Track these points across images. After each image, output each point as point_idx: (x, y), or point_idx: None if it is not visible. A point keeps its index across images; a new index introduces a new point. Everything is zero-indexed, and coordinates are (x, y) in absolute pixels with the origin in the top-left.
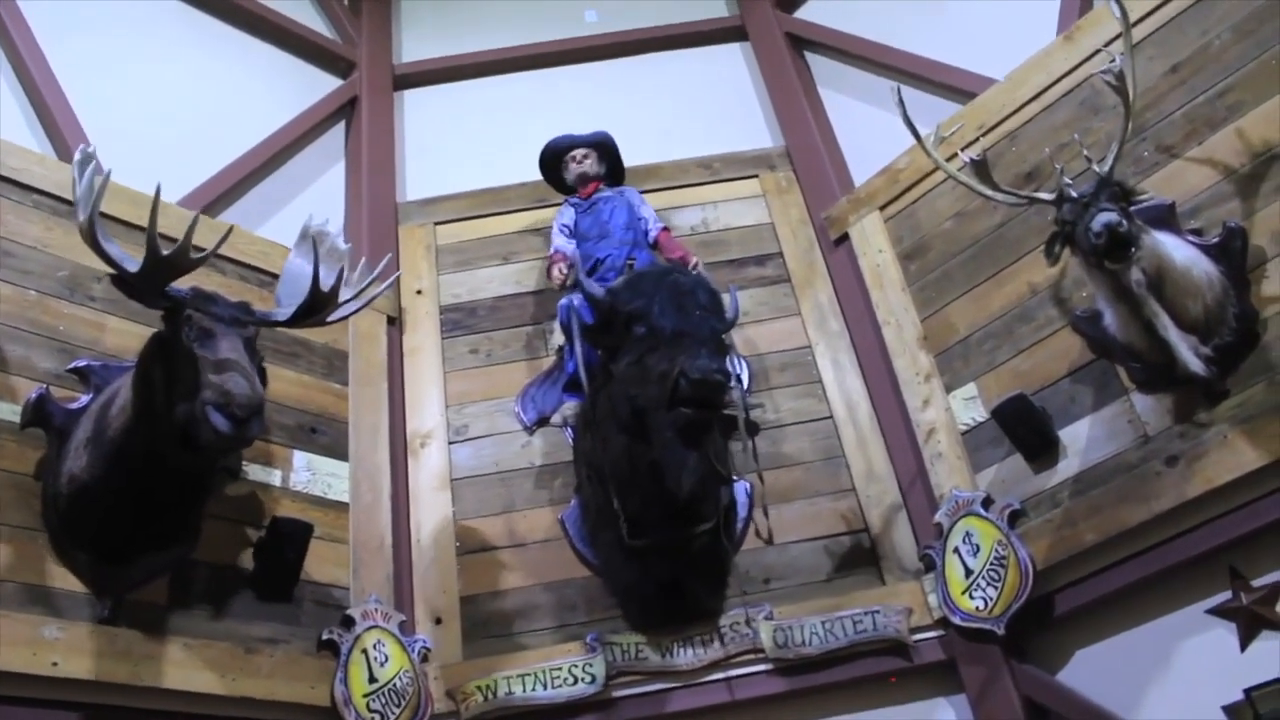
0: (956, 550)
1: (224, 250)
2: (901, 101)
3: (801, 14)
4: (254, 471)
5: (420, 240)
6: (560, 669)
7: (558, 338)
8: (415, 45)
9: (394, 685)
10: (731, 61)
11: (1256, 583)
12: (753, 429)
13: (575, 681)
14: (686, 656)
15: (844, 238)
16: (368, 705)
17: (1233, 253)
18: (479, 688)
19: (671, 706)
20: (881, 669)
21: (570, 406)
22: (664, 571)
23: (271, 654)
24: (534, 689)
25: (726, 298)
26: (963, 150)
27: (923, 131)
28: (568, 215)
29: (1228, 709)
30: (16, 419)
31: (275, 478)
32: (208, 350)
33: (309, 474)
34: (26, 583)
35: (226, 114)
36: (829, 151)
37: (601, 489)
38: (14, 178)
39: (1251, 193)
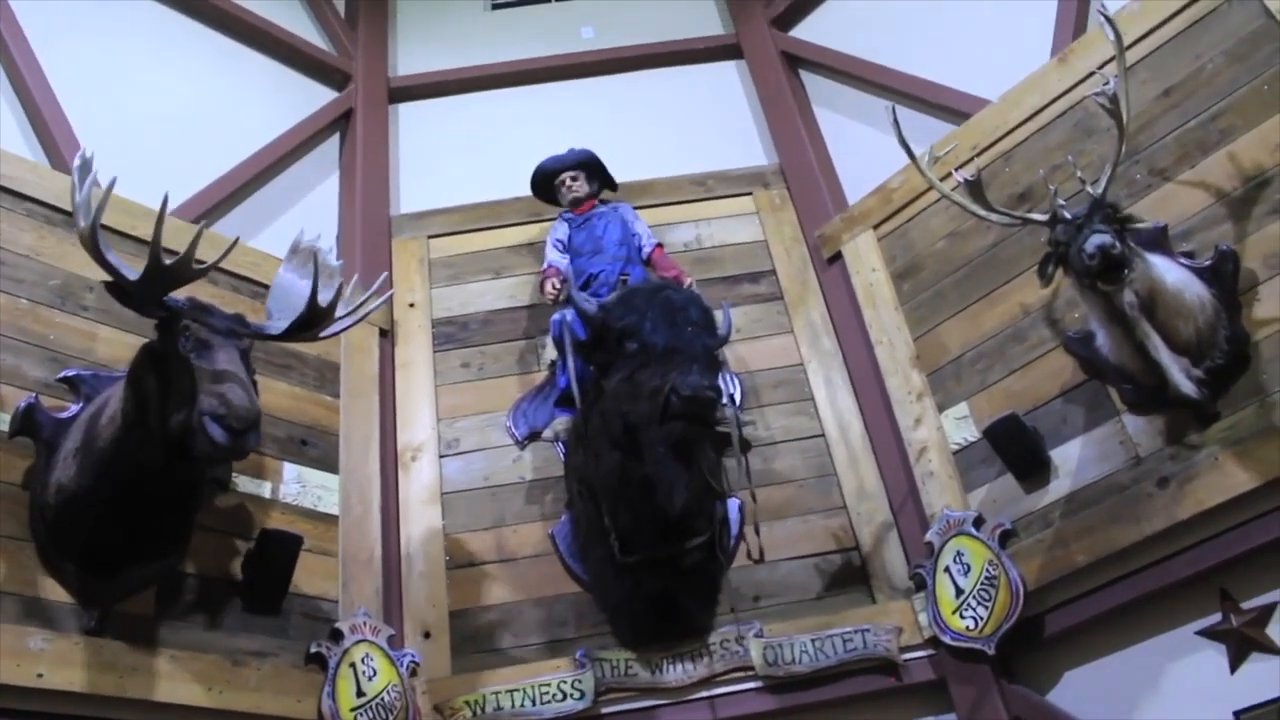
0: (947, 569)
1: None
2: (896, 121)
3: (797, 33)
4: (244, 483)
5: (413, 253)
6: (549, 685)
7: (550, 353)
8: (411, 59)
9: (382, 699)
10: (726, 79)
11: (1247, 605)
12: (745, 446)
13: (564, 697)
14: (676, 673)
15: (837, 256)
16: (355, 719)
17: (1224, 276)
18: (467, 703)
19: None
20: (871, 688)
21: (562, 421)
22: (654, 587)
23: (259, 667)
24: (523, 704)
25: (719, 314)
26: (956, 170)
27: (917, 151)
28: (562, 230)
29: None
30: (5, 428)
31: (265, 489)
32: (205, 361)
33: (299, 486)
34: (12, 593)
35: (221, 125)
36: (823, 170)
37: (593, 504)
38: (7, 186)
39: (1243, 216)
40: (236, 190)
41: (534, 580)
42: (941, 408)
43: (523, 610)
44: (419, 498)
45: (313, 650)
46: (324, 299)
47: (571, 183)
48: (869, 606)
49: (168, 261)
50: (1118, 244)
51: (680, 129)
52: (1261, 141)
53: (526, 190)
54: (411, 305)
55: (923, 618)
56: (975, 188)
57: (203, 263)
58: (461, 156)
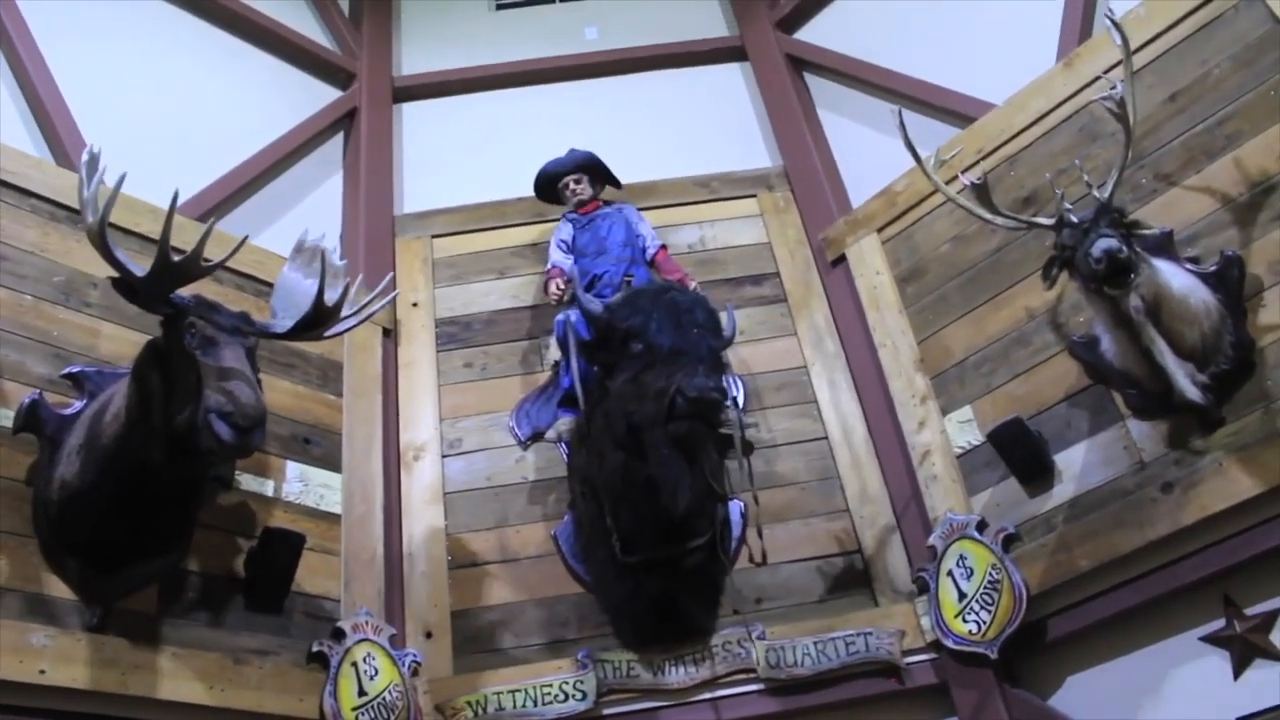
0: (950, 573)
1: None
2: (903, 124)
3: (802, 35)
4: (246, 481)
5: (417, 253)
6: (551, 685)
7: (553, 353)
8: (415, 58)
9: (383, 699)
10: (731, 81)
11: (1250, 611)
12: (747, 448)
13: (566, 698)
14: (678, 675)
15: (841, 259)
16: (357, 718)
17: (1230, 281)
18: (469, 703)
19: None
20: (873, 691)
21: (565, 422)
22: (656, 588)
23: (261, 665)
24: (524, 705)
25: (724, 316)
26: (963, 174)
27: (922, 154)
28: (566, 231)
29: None
30: (9, 424)
31: (268, 488)
32: (211, 358)
33: (302, 485)
34: (15, 589)
35: (225, 122)
36: (827, 173)
37: (595, 505)
38: (11, 181)
39: (1249, 222)
40: (240, 188)
41: (536, 581)
42: (945, 411)
43: (524, 610)
44: (421, 497)
45: (315, 649)
46: (330, 298)
47: (575, 185)
48: (871, 610)
49: (175, 259)
50: (1124, 248)
51: (684, 131)
52: (1268, 147)
53: (530, 191)
54: (415, 305)
55: (925, 621)
56: (982, 191)
57: (209, 260)
58: (465, 156)
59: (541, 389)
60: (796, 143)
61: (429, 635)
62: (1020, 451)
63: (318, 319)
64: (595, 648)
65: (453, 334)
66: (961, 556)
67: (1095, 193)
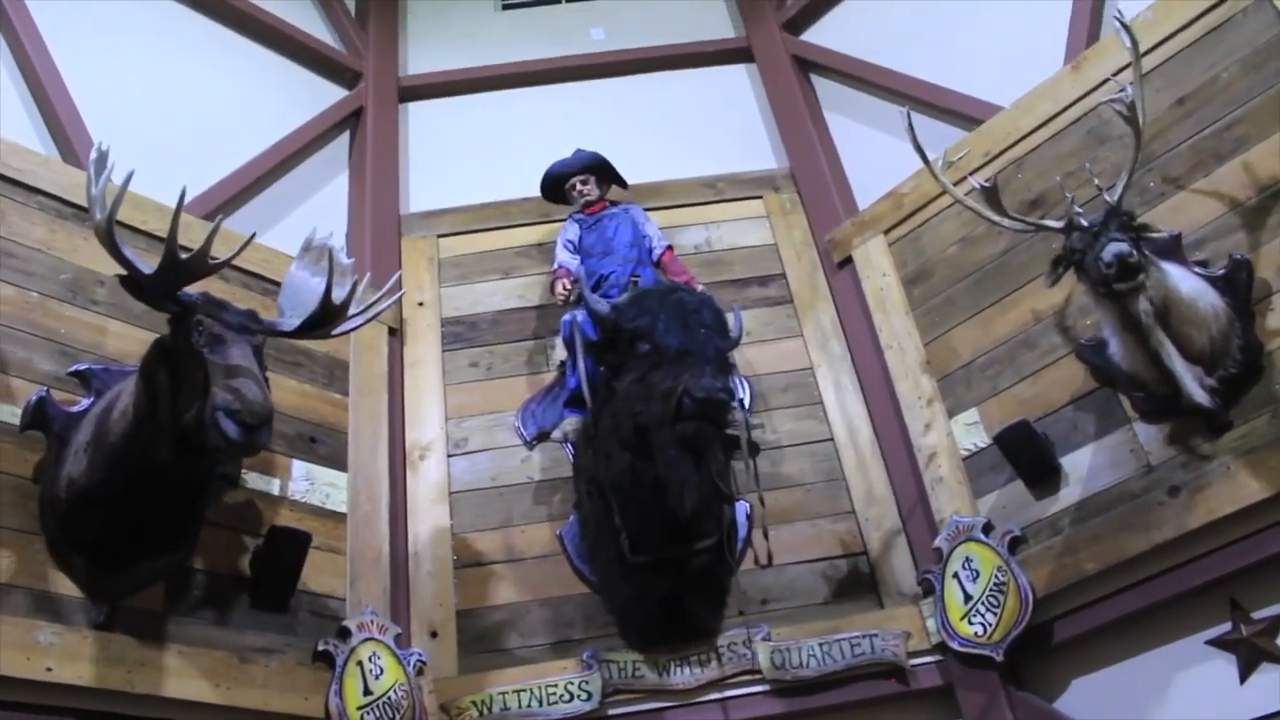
0: (956, 575)
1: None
2: (911, 126)
3: (808, 37)
4: (253, 480)
5: (423, 252)
6: (556, 686)
7: (559, 353)
8: (421, 58)
9: (389, 698)
10: (737, 82)
11: (1257, 615)
12: (753, 449)
13: (571, 698)
14: (683, 676)
15: (847, 260)
16: (362, 718)
17: (1238, 285)
18: (474, 703)
19: None
20: (878, 693)
21: (571, 422)
22: (663, 589)
23: (266, 664)
24: (530, 705)
25: (731, 317)
26: (971, 175)
27: (929, 156)
28: (572, 231)
29: None
30: (16, 421)
31: (274, 486)
32: (218, 356)
33: (308, 483)
34: (22, 587)
35: (231, 121)
36: (833, 174)
37: (602, 505)
38: (19, 179)
39: (1257, 226)
40: (246, 187)
41: (541, 581)
42: (952, 413)
43: (530, 610)
44: (427, 496)
45: (320, 648)
46: (338, 297)
47: (582, 186)
48: (877, 611)
49: (182, 256)
50: (1135, 252)
51: (690, 131)
52: (1276, 151)
53: (536, 190)
54: (420, 304)
55: (931, 623)
56: (992, 194)
57: (216, 258)
58: (471, 156)
59: (547, 389)
60: (803, 144)
61: (434, 635)
62: (1027, 454)
63: (325, 317)
64: (600, 648)
65: (458, 333)
66: (967, 559)
67: (1106, 196)
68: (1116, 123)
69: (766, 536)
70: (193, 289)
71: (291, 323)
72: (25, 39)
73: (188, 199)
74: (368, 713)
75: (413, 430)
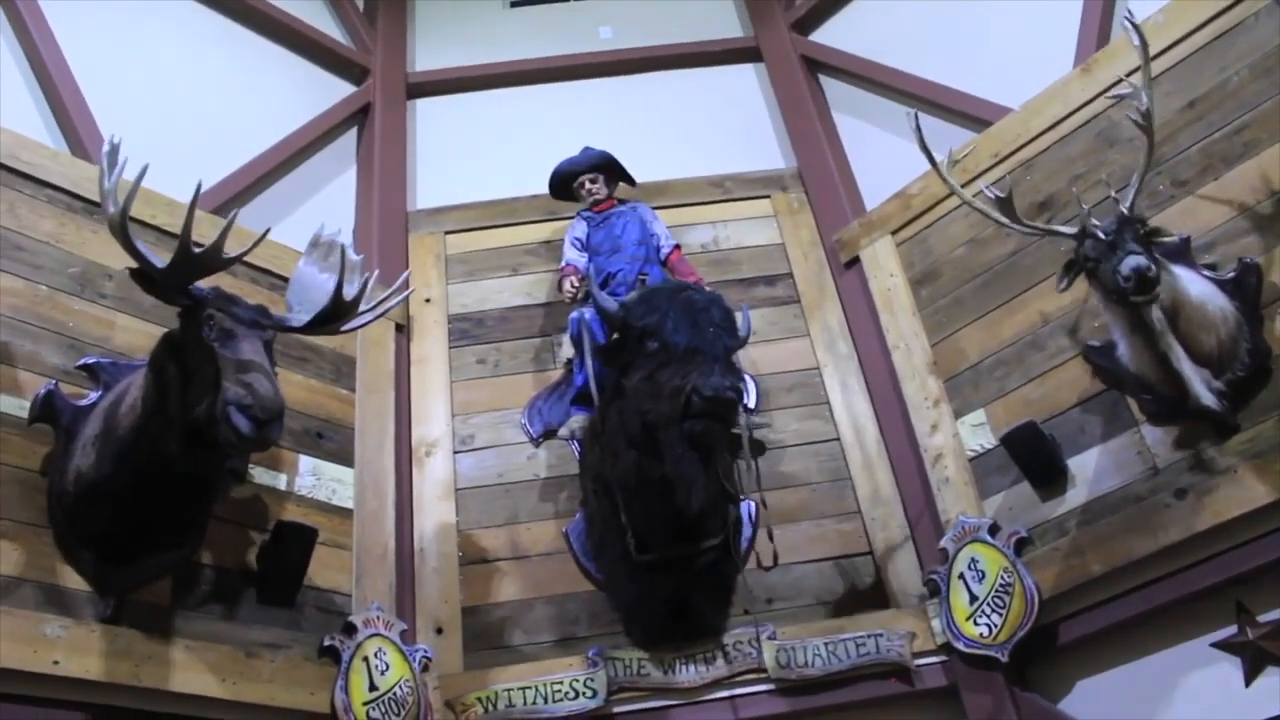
0: (962, 576)
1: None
2: (919, 128)
3: (816, 37)
4: (259, 475)
5: (430, 249)
6: (561, 683)
7: (566, 350)
8: (429, 55)
9: (394, 694)
10: (745, 82)
11: (1263, 618)
12: (758, 449)
13: (576, 696)
14: (689, 674)
15: (855, 261)
16: (367, 713)
17: (1247, 288)
18: (479, 699)
19: None
20: (883, 693)
21: (578, 420)
22: (669, 587)
23: (272, 659)
24: (535, 702)
25: (739, 316)
26: (979, 179)
27: (936, 158)
28: (580, 229)
29: None
30: (24, 414)
31: (281, 482)
32: (229, 351)
33: (314, 479)
34: (30, 580)
35: (240, 116)
36: (841, 174)
37: (608, 503)
38: (28, 172)
39: (1267, 229)
40: (254, 182)
41: (547, 578)
42: (958, 414)
43: (535, 608)
44: (433, 493)
45: (326, 643)
46: (349, 293)
47: (590, 185)
48: (882, 611)
49: (196, 250)
50: (1153, 266)
51: (698, 131)
52: None
53: (544, 188)
54: (428, 301)
55: (936, 624)
56: (1005, 204)
57: (230, 254)
58: (479, 153)
59: (554, 386)
60: (811, 144)
61: (440, 631)
62: (1033, 455)
63: (336, 313)
64: (606, 646)
65: (465, 330)
66: (973, 559)
67: (1122, 208)
68: (1126, 125)
69: (771, 537)
70: (203, 283)
71: (301, 318)
72: (35, 33)
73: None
74: (373, 708)
75: (419, 426)
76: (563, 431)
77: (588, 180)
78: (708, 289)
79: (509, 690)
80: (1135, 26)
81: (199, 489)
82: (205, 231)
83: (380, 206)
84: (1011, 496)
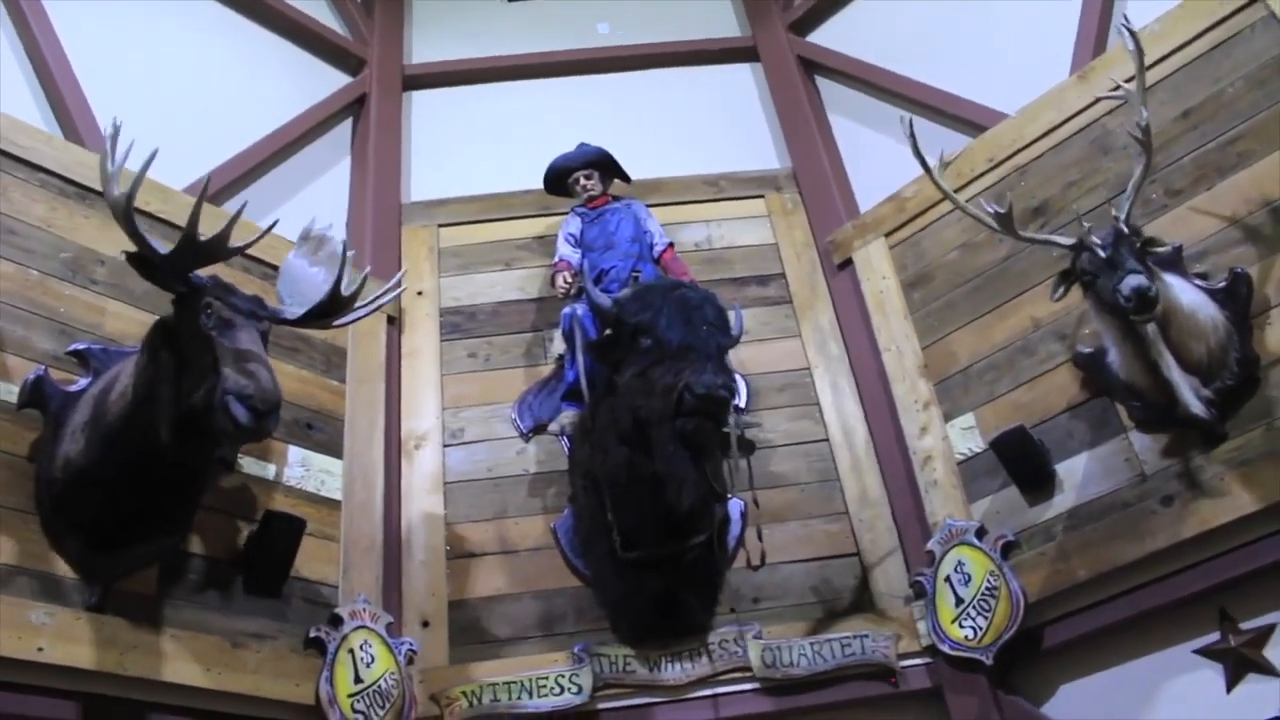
0: (948, 579)
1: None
2: (913, 135)
3: (814, 38)
4: (248, 465)
5: (423, 241)
6: (546, 678)
7: (558, 346)
8: (426, 47)
9: (379, 687)
10: (741, 81)
11: (1245, 625)
12: (748, 448)
13: (561, 691)
14: (674, 672)
15: (848, 262)
16: (352, 706)
17: (1238, 298)
18: (464, 693)
19: None
20: (868, 693)
21: (568, 415)
22: (656, 585)
23: (258, 649)
24: (519, 697)
25: (731, 315)
26: (973, 183)
27: (931, 162)
28: (574, 225)
29: None
30: (13, 399)
31: (269, 472)
32: (228, 340)
33: (303, 470)
34: (16, 566)
35: (235, 104)
36: (835, 176)
37: (597, 500)
38: (21, 156)
39: (1258, 240)
40: (248, 171)
41: (534, 573)
42: (948, 417)
43: (522, 603)
44: (422, 486)
45: (312, 635)
46: (348, 289)
47: (586, 181)
48: (868, 612)
49: (203, 238)
50: (1153, 286)
51: (694, 129)
52: (1279, 167)
53: (538, 183)
54: (420, 293)
55: (922, 626)
56: (1005, 219)
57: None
58: (474, 147)
59: (544, 381)
60: (806, 145)
61: (426, 624)
62: (1022, 460)
63: (333, 308)
64: (592, 642)
65: (457, 324)
66: (960, 562)
67: (1120, 224)
68: (1121, 133)
69: (760, 537)
70: (201, 272)
71: (295, 311)
72: (30, 16)
73: (189, 182)
74: (358, 700)
75: (409, 419)
76: (553, 427)
77: (583, 176)
78: (701, 288)
79: (494, 685)
80: (1132, 33)
81: (188, 478)
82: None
83: (374, 198)
84: (999, 500)
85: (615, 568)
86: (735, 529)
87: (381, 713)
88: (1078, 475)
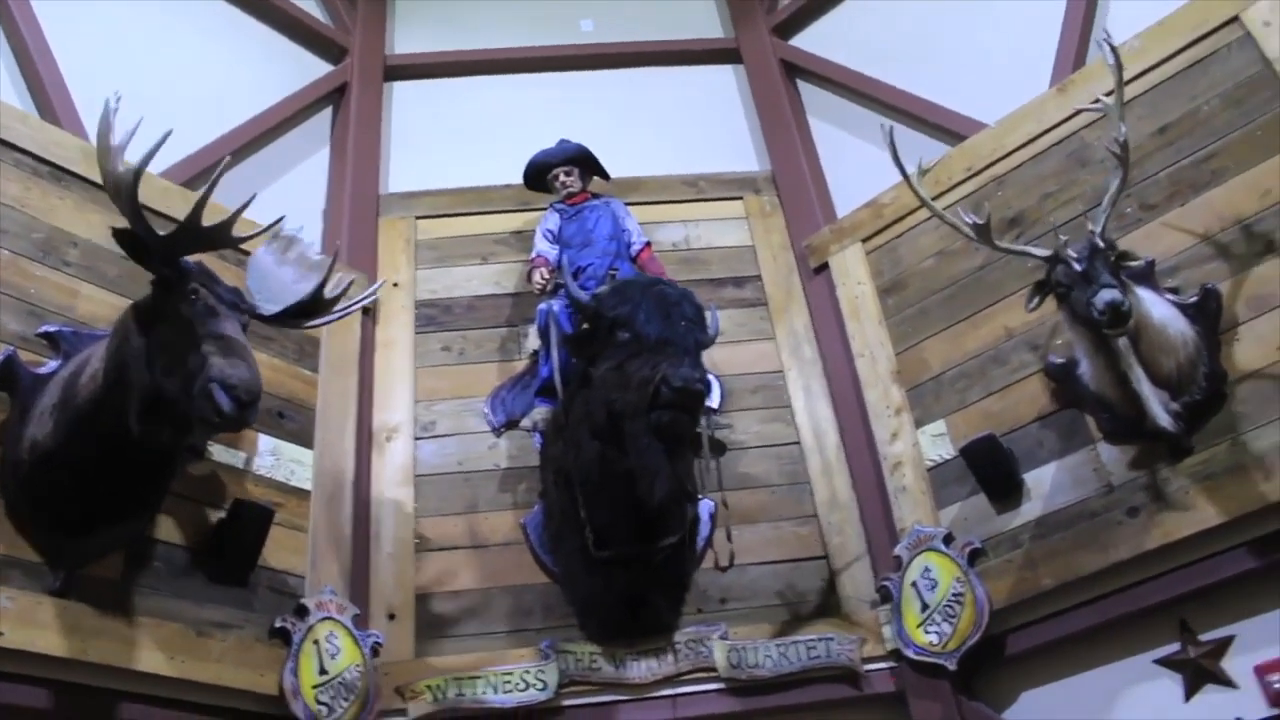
0: (914, 584)
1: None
2: (893, 143)
3: (797, 42)
4: (218, 452)
5: (400, 233)
6: (512, 674)
7: (533, 341)
8: (408, 38)
9: (344, 679)
10: (723, 83)
11: (1204, 637)
12: (719, 449)
13: (526, 687)
14: (639, 670)
15: (824, 266)
16: (316, 697)
17: (1208, 314)
18: (429, 687)
19: (621, 719)
20: (832, 696)
21: (541, 411)
22: (625, 584)
23: (223, 639)
24: (484, 692)
25: (707, 315)
26: (951, 192)
27: (909, 169)
28: (552, 221)
29: None
30: None
31: (239, 460)
32: (214, 328)
33: (273, 458)
34: None
35: (214, 88)
36: (814, 180)
37: (568, 497)
38: None
39: (1229, 257)
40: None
41: (502, 568)
42: (919, 424)
43: (489, 598)
44: (392, 478)
45: (277, 625)
46: (332, 292)
47: (565, 178)
48: (834, 616)
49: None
50: (1127, 301)
51: (674, 129)
52: (1252, 185)
53: (518, 178)
54: (395, 285)
55: (887, 630)
56: (983, 230)
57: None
58: (454, 140)
59: (518, 377)
60: (786, 148)
61: (392, 617)
62: (991, 468)
63: (314, 309)
64: (558, 638)
65: (432, 316)
66: (926, 568)
67: (1096, 239)
68: (1098, 147)
69: (730, 538)
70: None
71: (273, 307)
72: None
73: (166, 166)
74: (322, 692)
75: (381, 411)
76: (525, 422)
77: (562, 173)
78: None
79: (459, 679)
80: (1113, 48)
81: (157, 464)
82: (173, 204)
83: (352, 188)
84: (967, 507)
85: (585, 565)
86: (705, 529)
87: (345, 705)
88: (1045, 485)
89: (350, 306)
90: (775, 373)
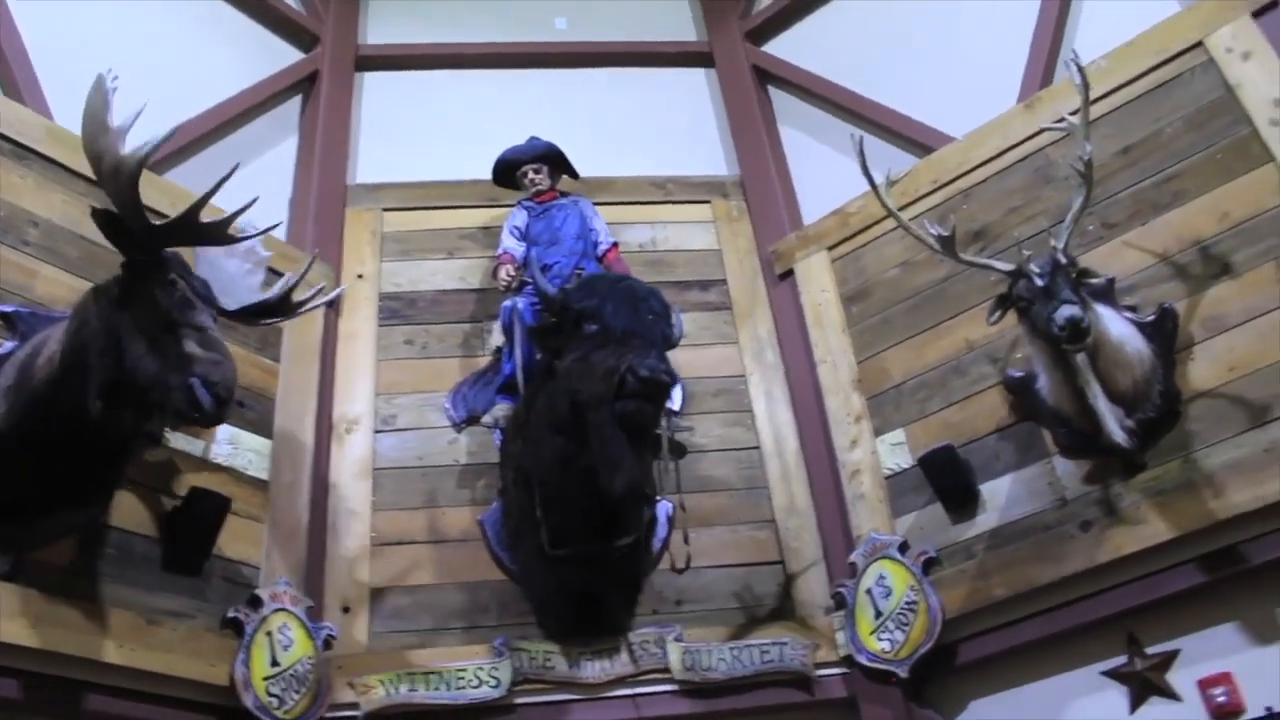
0: (869, 591)
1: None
2: (862, 153)
3: (770, 48)
4: (176, 439)
5: (366, 225)
6: (465, 671)
7: (496, 338)
8: (381, 28)
9: (295, 671)
10: (695, 86)
11: (1151, 650)
12: (679, 451)
13: (479, 684)
14: (593, 670)
15: (789, 273)
16: (267, 689)
17: (1164, 332)
18: (381, 681)
19: (574, 718)
20: (784, 700)
21: (502, 408)
22: (581, 583)
23: (174, 628)
24: (437, 688)
25: (674, 315)
26: (917, 203)
27: (877, 179)
28: (520, 218)
29: None
30: None
31: (197, 448)
32: (193, 319)
33: (231, 447)
34: None
35: (183, 72)
36: (782, 186)
37: (526, 495)
38: None
39: (1187, 277)
40: (192, 141)
41: (459, 564)
42: (878, 432)
43: (445, 593)
44: (350, 471)
45: (230, 615)
46: (298, 296)
47: (534, 174)
48: (789, 620)
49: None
50: (1086, 318)
51: (644, 130)
52: (1211, 208)
53: (486, 173)
54: (360, 276)
55: (840, 636)
56: (947, 242)
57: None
58: (423, 133)
59: (480, 373)
60: (755, 153)
61: (346, 610)
62: (948, 478)
63: (276, 310)
64: (513, 636)
65: (396, 309)
66: (881, 576)
67: (1058, 255)
68: (1063, 164)
69: (687, 540)
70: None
71: (228, 302)
72: None
73: (130, 149)
74: (273, 684)
75: (341, 403)
76: (486, 419)
77: (531, 170)
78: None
79: (412, 674)
80: (1080, 68)
81: (113, 449)
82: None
83: (319, 178)
84: (924, 517)
85: (542, 563)
86: (662, 531)
87: (296, 697)
88: (1001, 496)
89: (313, 304)
90: (737, 377)
